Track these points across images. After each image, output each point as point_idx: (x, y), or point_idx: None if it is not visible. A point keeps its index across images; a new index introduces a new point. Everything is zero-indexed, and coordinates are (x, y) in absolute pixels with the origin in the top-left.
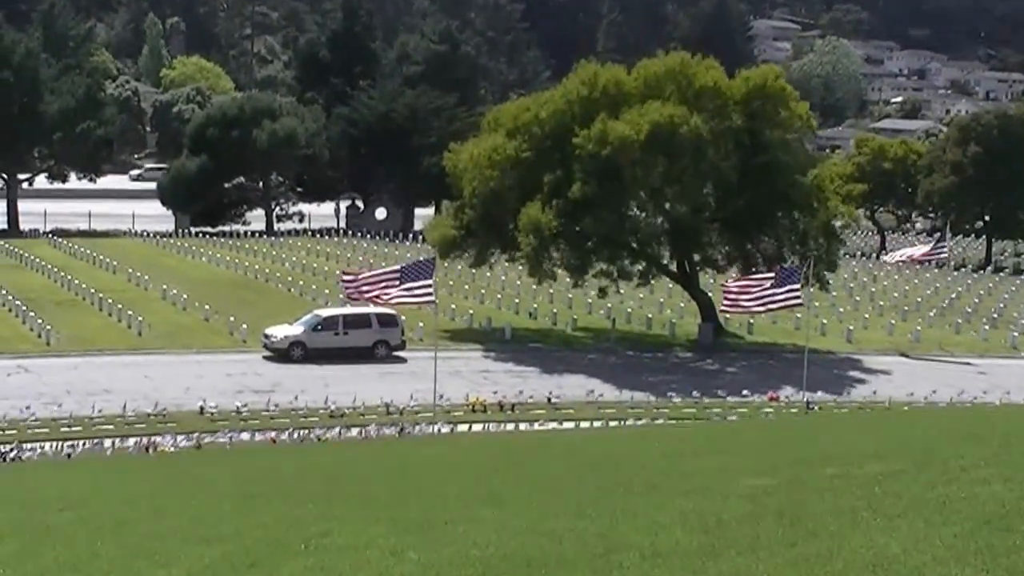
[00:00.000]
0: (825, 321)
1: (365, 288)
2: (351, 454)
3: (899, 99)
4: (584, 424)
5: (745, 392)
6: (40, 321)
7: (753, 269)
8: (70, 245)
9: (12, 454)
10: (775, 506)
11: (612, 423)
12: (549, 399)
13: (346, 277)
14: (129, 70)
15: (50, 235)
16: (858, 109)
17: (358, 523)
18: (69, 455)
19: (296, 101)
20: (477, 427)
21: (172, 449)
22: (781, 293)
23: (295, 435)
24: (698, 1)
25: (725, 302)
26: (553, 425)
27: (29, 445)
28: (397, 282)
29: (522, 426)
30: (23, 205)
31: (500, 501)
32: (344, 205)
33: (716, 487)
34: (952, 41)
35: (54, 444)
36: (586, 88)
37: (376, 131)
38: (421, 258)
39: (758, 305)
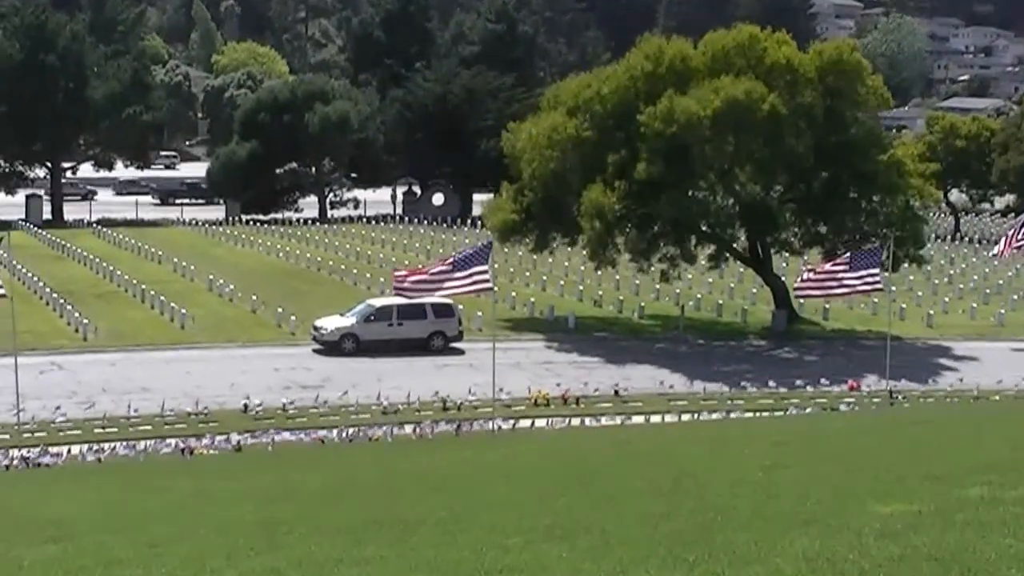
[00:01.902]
0: (904, 306)
1: (416, 285)
2: (400, 459)
3: (965, 77)
4: (655, 418)
5: (824, 381)
6: (78, 315)
7: (837, 252)
8: (115, 235)
9: (36, 459)
10: (927, 547)
11: (684, 416)
12: (616, 391)
13: (398, 275)
14: (181, 55)
15: (95, 225)
16: (924, 88)
17: (391, 568)
18: (99, 459)
19: (349, 84)
20: (540, 422)
21: (210, 452)
22: (859, 277)
23: (345, 433)
24: None
25: (800, 285)
26: (621, 419)
27: (57, 449)
28: (451, 272)
29: (587, 421)
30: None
31: (570, 534)
32: (400, 191)
33: (839, 516)
34: (1018, 17)
35: (84, 447)
36: (651, 63)
37: (432, 114)
38: (477, 244)
39: (836, 289)
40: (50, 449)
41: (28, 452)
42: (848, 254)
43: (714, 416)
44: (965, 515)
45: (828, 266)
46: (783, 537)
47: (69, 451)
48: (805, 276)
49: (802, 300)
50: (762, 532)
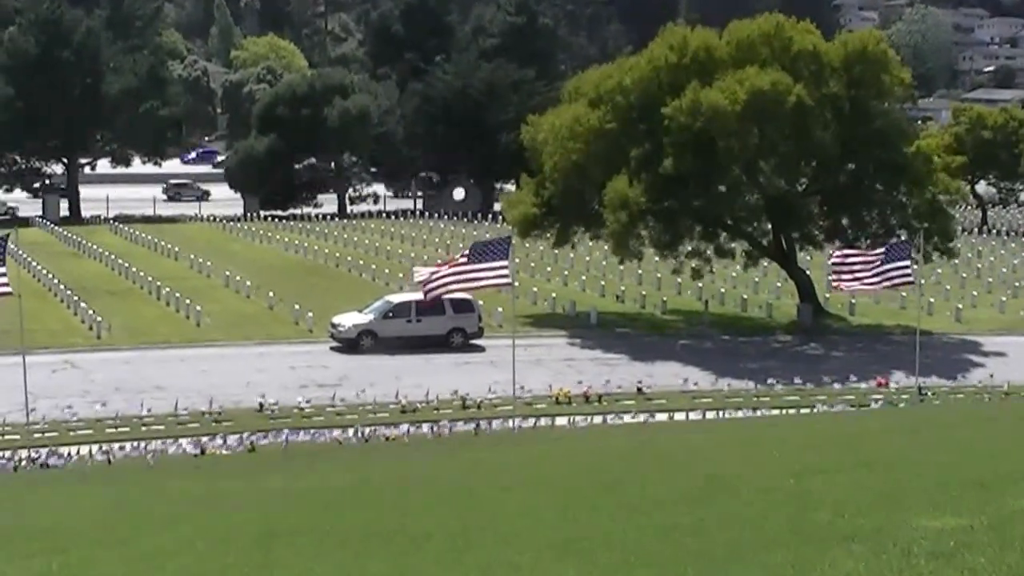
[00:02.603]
0: (931, 300)
1: (442, 285)
2: (414, 462)
3: (991, 68)
4: (679, 416)
5: (852, 378)
6: (91, 312)
7: (859, 244)
8: (132, 231)
9: (42, 460)
10: (987, 569)
11: (709, 414)
12: (639, 389)
13: (420, 275)
14: (199, 51)
15: (112, 221)
16: (949, 79)
17: None
18: (108, 460)
19: (369, 78)
20: (561, 421)
21: (222, 452)
22: (892, 270)
23: (361, 432)
24: None
25: (835, 275)
26: (644, 417)
27: (67, 449)
28: (467, 264)
29: (610, 419)
30: (86, 191)
31: (587, 551)
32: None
33: (886, 531)
34: None
35: (93, 448)
36: (674, 54)
37: (452, 107)
38: (492, 237)
39: (871, 280)
40: (58, 450)
41: (35, 452)
42: (888, 243)
43: (739, 414)
44: (1023, 530)
45: (866, 256)
46: (823, 556)
47: (78, 452)
48: (842, 265)
49: (842, 289)
50: (799, 550)
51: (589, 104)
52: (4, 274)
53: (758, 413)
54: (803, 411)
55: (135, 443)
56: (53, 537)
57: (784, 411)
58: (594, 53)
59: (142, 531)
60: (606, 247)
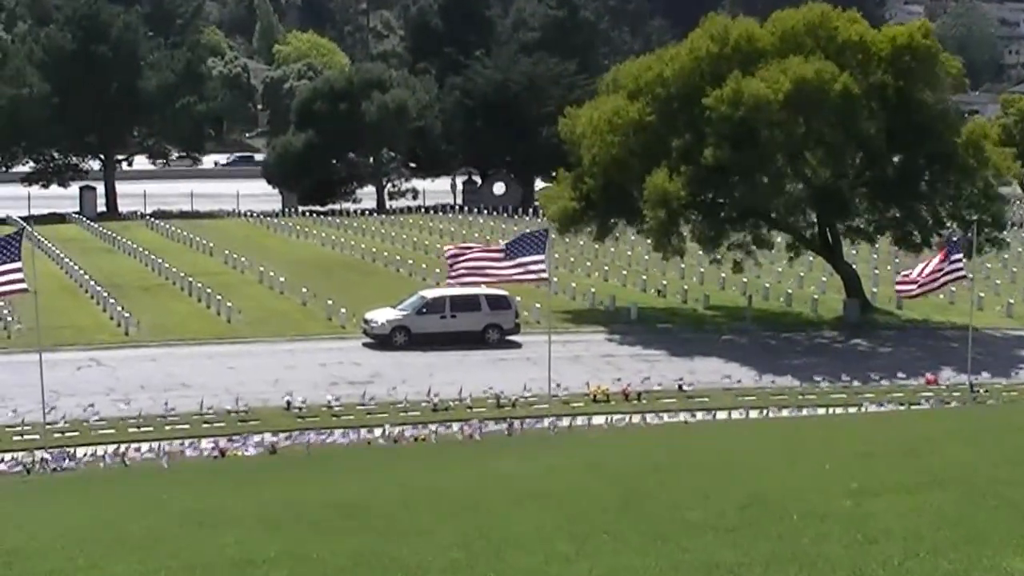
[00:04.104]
0: (982, 294)
1: (467, 268)
2: (426, 471)
3: None
4: (720, 415)
5: (900, 375)
6: (120, 308)
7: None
8: (168, 227)
9: (56, 463)
10: None
11: (752, 413)
12: (680, 386)
13: (449, 255)
14: (242, 48)
15: (148, 217)
16: (994, 73)
17: None
18: (124, 462)
19: (408, 72)
20: (598, 419)
21: (245, 453)
22: (950, 266)
23: (390, 433)
24: None
25: (901, 287)
26: (684, 416)
27: (83, 450)
28: (504, 259)
29: (649, 418)
30: (123, 187)
31: None
32: (460, 180)
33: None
34: None
35: (107, 449)
36: (715, 44)
37: (492, 101)
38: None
39: (931, 281)
40: (72, 452)
41: (48, 454)
42: (945, 240)
43: (784, 412)
44: None
45: (928, 265)
46: None
47: (94, 453)
48: (903, 277)
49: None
50: None
51: (628, 96)
52: (20, 269)
53: (803, 412)
54: (850, 409)
55: (153, 444)
56: (11, 562)
57: (831, 410)
58: (637, 48)
59: (113, 554)
60: (648, 241)
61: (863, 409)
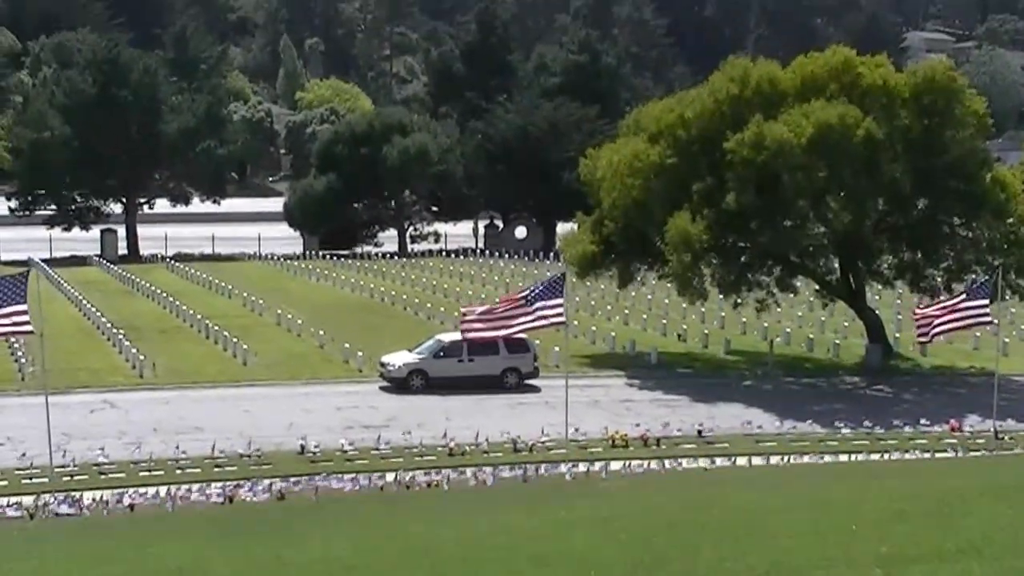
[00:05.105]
0: (1006, 340)
1: (486, 327)
2: (428, 523)
3: None
4: (741, 461)
5: (924, 421)
6: (135, 351)
7: (934, 282)
8: (188, 270)
9: (60, 508)
10: None
11: (773, 459)
12: (699, 432)
13: (466, 315)
14: (266, 93)
15: (169, 260)
16: (1017, 120)
17: None
18: (131, 507)
19: (429, 117)
20: (615, 465)
21: (253, 499)
22: (972, 308)
23: (403, 478)
24: (849, 13)
25: (920, 330)
26: (704, 462)
27: (90, 494)
28: (524, 306)
29: (668, 463)
30: (145, 230)
31: None
32: (482, 224)
33: None
34: None
35: (121, 492)
36: (736, 86)
37: (513, 146)
38: (549, 275)
39: (951, 320)
40: (76, 496)
41: (52, 498)
42: (966, 287)
43: (805, 459)
44: None
45: (951, 306)
46: None
47: (101, 497)
48: (923, 318)
49: (930, 341)
50: None
51: (649, 139)
52: (25, 312)
53: (825, 459)
54: (873, 456)
55: (158, 489)
56: None
57: (853, 456)
58: (659, 94)
59: None
60: (668, 285)
61: (887, 456)
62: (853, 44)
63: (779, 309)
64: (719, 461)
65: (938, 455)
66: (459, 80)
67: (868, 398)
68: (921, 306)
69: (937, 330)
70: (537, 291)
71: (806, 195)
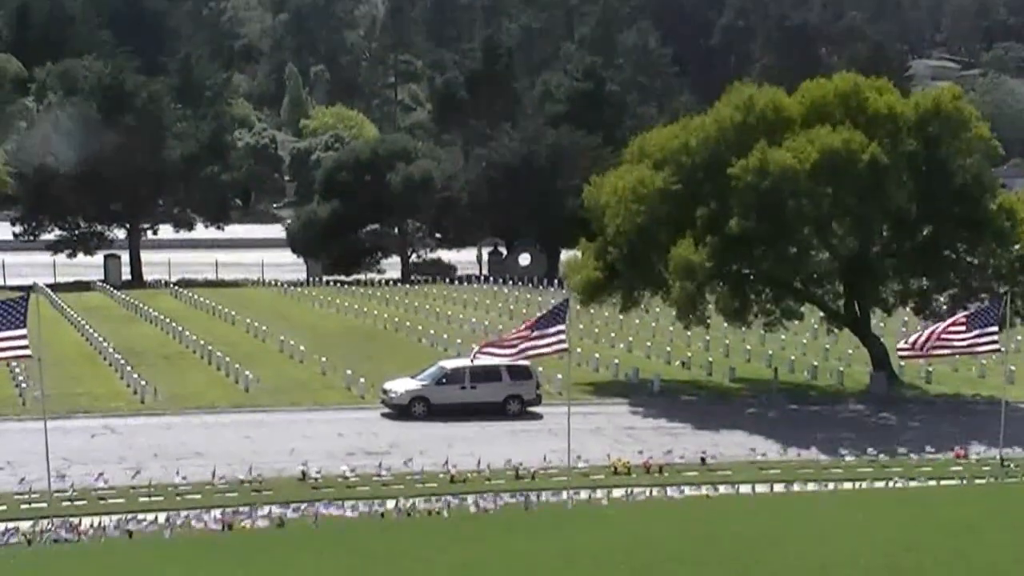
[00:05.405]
0: (1013, 367)
1: (492, 347)
2: (417, 554)
3: None
4: (744, 488)
5: (929, 449)
6: (137, 376)
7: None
8: (191, 295)
9: (57, 533)
10: None
11: (777, 486)
12: (703, 459)
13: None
14: (270, 120)
15: (172, 285)
16: (1023, 149)
17: None
18: (130, 533)
19: (433, 143)
20: (617, 492)
21: (252, 525)
22: (976, 336)
23: (404, 504)
24: (854, 42)
25: (905, 349)
26: (707, 490)
27: (89, 520)
28: (531, 334)
29: (670, 491)
30: (149, 255)
31: None
32: (486, 251)
33: None
34: None
35: (117, 518)
36: (740, 113)
37: (518, 173)
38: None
39: (946, 351)
40: (74, 522)
41: (50, 524)
42: (966, 313)
43: (810, 487)
44: None
45: (942, 329)
46: None
47: (99, 523)
48: (913, 340)
49: (903, 363)
50: None
51: (653, 165)
52: (24, 336)
53: (829, 487)
54: (877, 484)
55: (157, 515)
56: None
57: (857, 484)
58: (663, 121)
59: None
60: (672, 312)
61: (892, 484)
62: (858, 72)
63: (783, 337)
64: (722, 489)
65: (944, 483)
66: (463, 107)
67: (873, 425)
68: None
69: (929, 352)
70: (543, 320)
71: (810, 221)
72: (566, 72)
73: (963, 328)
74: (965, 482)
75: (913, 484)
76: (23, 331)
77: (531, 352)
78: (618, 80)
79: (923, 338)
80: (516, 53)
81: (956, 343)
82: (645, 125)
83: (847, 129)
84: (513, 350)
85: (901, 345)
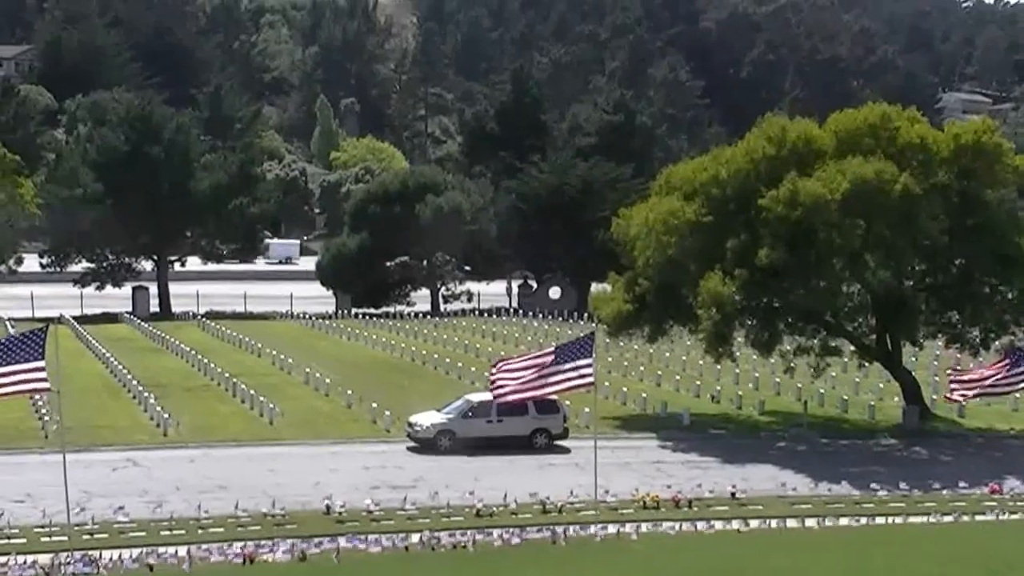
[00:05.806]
0: None
1: (513, 386)
2: None
3: None
4: (774, 523)
5: (963, 484)
6: (160, 409)
7: (968, 342)
8: (218, 328)
9: (76, 568)
10: None
11: (808, 521)
12: (733, 494)
13: (495, 374)
14: (300, 152)
15: (200, 317)
16: None
17: None
18: (150, 567)
19: (464, 176)
20: (646, 527)
21: (274, 559)
22: (1014, 376)
23: (428, 538)
24: (885, 75)
25: (953, 387)
26: (737, 524)
27: (109, 553)
28: (552, 365)
29: (700, 525)
30: (177, 287)
31: None
32: (515, 284)
33: None
34: None
35: (136, 552)
36: (772, 145)
37: (547, 205)
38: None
39: (991, 390)
40: (93, 555)
41: (68, 557)
42: (1008, 355)
43: (842, 521)
44: None
45: (987, 371)
46: None
47: (119, 557)
48: (956, 380)
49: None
50: None
51: (684, 197)
52: (43, 368)
53: (861, 521)
54: (911, 519)
55: (177, 548)
56: None
57: (889, 519)
58: (693, 154)
59: None
60: (702, 343)
61: (925, 519)
62: (889, 105)
63: (829, 365)
64: (753, 523)
65: (978, 518)
66: (493, 139)
67: (905, 460)
68: (957, 368)
69: (972, 394)
70: (566, 350)
71: (841, 252)
72: (596, 105)
73: (1008, 367)
74: (1000, 517)
75: (947, 519)
76: (41, 363)
77: (554, 388)
78: (648, 113)
79: (975, 378)
80: (546, 86)
81: (1000, 384)
82: (675, 157)
83: (879, 159)
84: (536, 391)
85: (954, 386)
